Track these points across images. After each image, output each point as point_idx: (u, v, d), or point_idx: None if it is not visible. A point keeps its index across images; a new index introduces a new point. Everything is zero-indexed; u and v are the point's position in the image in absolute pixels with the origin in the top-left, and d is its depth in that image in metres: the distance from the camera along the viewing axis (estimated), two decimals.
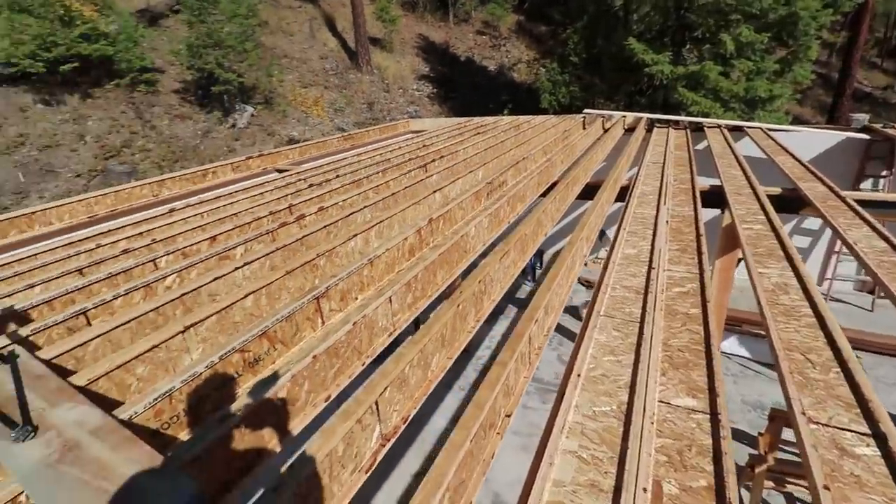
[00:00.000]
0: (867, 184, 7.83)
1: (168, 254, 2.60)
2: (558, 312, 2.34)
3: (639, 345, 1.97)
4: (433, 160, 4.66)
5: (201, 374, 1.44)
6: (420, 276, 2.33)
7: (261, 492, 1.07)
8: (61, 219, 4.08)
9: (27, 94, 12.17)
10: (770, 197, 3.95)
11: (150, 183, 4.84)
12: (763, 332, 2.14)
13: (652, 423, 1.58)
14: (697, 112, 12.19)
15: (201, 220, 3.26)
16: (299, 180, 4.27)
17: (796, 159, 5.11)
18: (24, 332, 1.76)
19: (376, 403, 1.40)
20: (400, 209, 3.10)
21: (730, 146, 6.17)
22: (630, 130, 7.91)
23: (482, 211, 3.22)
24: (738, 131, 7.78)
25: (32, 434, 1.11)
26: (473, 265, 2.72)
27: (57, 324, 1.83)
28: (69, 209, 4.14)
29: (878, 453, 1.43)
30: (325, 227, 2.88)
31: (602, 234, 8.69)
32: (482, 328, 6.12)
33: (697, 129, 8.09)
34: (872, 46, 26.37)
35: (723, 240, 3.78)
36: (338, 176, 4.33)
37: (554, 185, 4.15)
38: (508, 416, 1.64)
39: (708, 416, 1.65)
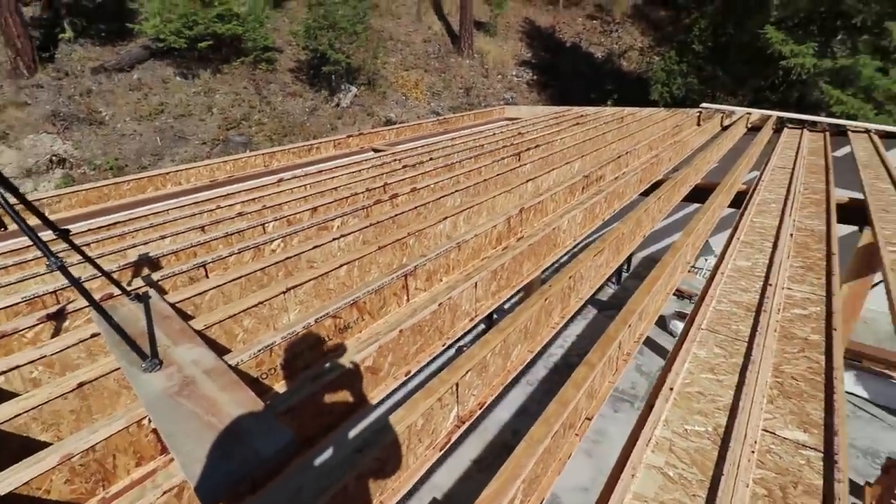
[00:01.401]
0: None
1: (275, 220, 2.81)
2: (652, 320, 2.18)
3: (744, 366, 1.77)
4: (527, 149, 4.55)
5: (298, 333, 1.55)
6: (507, 266, 2.29)
7: (346, 450, 1.12)
8: (188, 180, 4.60)
9: (169, 68, 13.86)
10: None
11: (262, 154, 5.28)
12: (889, 372, 1.82)
13: (752, 452, 1.43)
14: (841, 113, 10.55)
15: (305, 192, 3.48)
16: (394, 160, 4.40)
17: None
18: (155, 276, 2.02)
19: (457, 385, 1.40)
20: (490, 196, 3.07)
21: (879, 155, 5.29)
22: (754, 129, 7.10)
23: (577, 205, 3.09)
24: (892, 138, 6.64)
25: (158, 367, 1.26)
26: (560, 260, 2.62)
27: (182, 273, 2.07)
28: (195, 172, 4.65)
29: None
30: (416, 207, 2.94)
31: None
32: None
33: (839, 133, 7.04)
34: None
35: (857, 261, 3.27)
36: (431, 159, 4.39)
37: (659, 183, 3.85)
38: (589, 419, 1.57)
39: (821, 455, 1.45)
